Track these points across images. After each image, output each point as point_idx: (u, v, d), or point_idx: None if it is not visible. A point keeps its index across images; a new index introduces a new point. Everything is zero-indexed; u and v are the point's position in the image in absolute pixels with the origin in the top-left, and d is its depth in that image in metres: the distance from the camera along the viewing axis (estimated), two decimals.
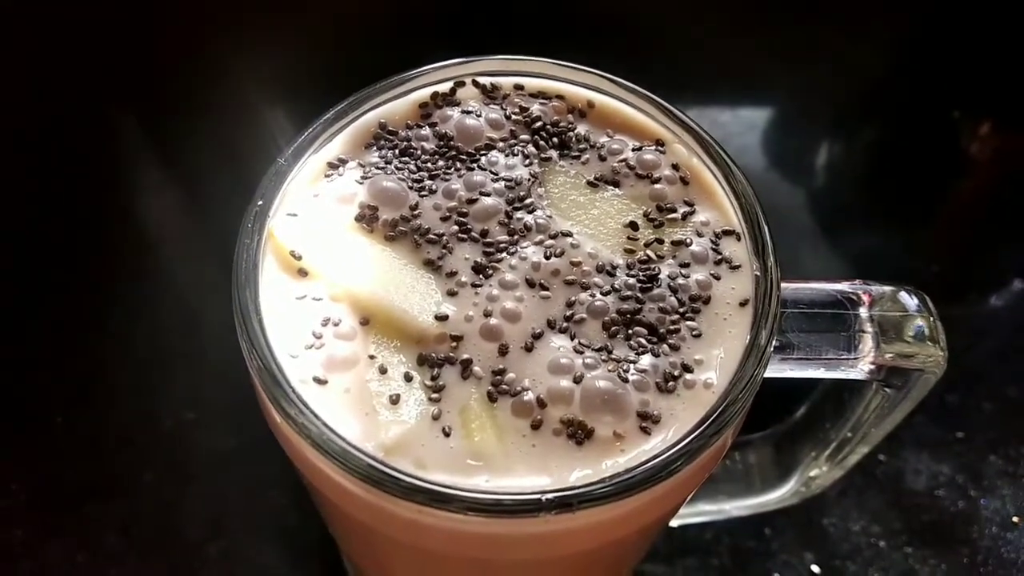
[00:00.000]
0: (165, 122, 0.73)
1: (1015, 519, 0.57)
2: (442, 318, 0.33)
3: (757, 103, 0.80)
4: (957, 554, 0.55)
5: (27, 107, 0.73)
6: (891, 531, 0.56)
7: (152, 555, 0.53)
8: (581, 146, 0.38)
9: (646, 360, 0.32)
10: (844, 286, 0.37)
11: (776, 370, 0.35)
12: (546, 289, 0.34)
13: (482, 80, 0.39)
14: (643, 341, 0.32)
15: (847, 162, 0.77)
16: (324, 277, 0.33)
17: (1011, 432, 0.60)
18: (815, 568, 0.55)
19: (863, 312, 0.36)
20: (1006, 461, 0.59)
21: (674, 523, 0.52)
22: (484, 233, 0.35)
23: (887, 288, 0.37)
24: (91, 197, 0.69)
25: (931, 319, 0.37)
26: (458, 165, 0.37)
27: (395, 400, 0.31)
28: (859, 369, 0.36)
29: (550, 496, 0.28)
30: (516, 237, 0.35)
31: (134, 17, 0.76)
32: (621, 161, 0.37)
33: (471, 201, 0.35)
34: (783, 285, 0.35)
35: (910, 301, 0.37)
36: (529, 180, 0.36)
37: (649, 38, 0.80)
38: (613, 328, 0.33)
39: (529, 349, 0.32)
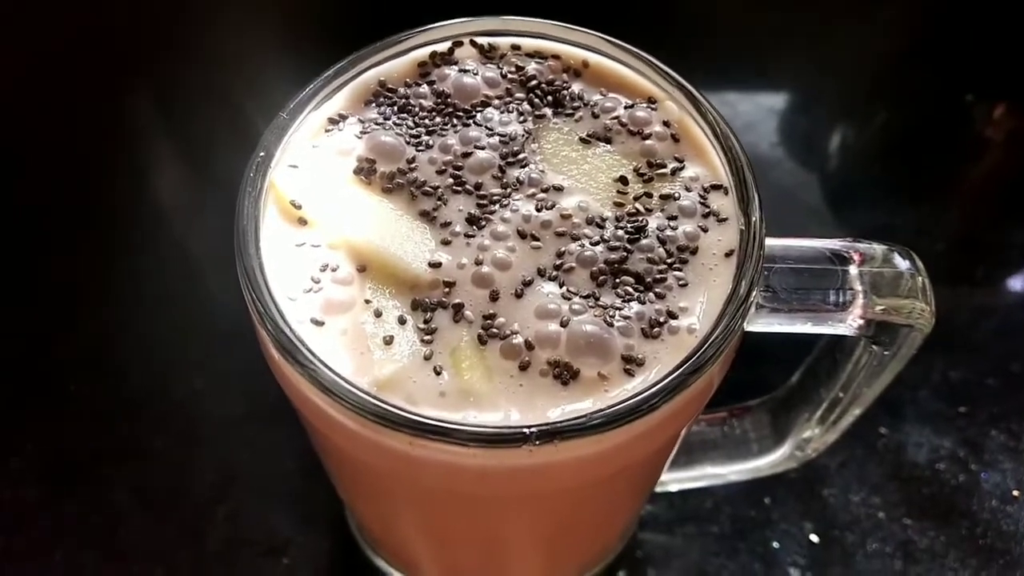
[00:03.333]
0: (173, 95, 0.75)
1: (1015, 493, 0.57)
2: (435, 265, 0.34)
3: (769, 85, 0.80)
4: (956, 526, 0.55)
5: (30, 78, 0.74)
6: (891, 503, 0.56)
7: (162, 516, 0.55)
8: (575, 104, 0.39)
9: (632, 307, 0.33)
10: (835, 244, 0.37)
11: (764, 324, 0.36)
12: (537, 240, 0.35)
13: (480, 40, 0.40)
14: (630, 289, 0.33)
15: (859, 144, 0.78)
16: (323, 226, 0.35)
17: (1013, 407, 0.60)
18: (814, 537, 0.55)
19: (853, 270, 0.36)
20: (1008, 436, 0.59)
21: (674, 488, 0.53)
22: (478, 186, 0.36)
23: (878, 247, 0.38)
24: (102, 169, 0.70)
25: (920, 278, 0.37)
26: (454, 121, 0.38)
27: (389, 341, 0.32)
28: (848, 324, 0.37)
29: (534, 428, 0.29)
30: (509, 190, 0.36)
31: None
32: (613, 118, 0.38)
33: (466, 155, 0.37)
34: (774, 242, 0.36)
35: (901, 261, 0.38)
36: (523, 136, 0.37)
37: (656, 20, 0.80)
38: (601, 277, 0.34)
39: (519, 295, 0.33)
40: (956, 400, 0.60)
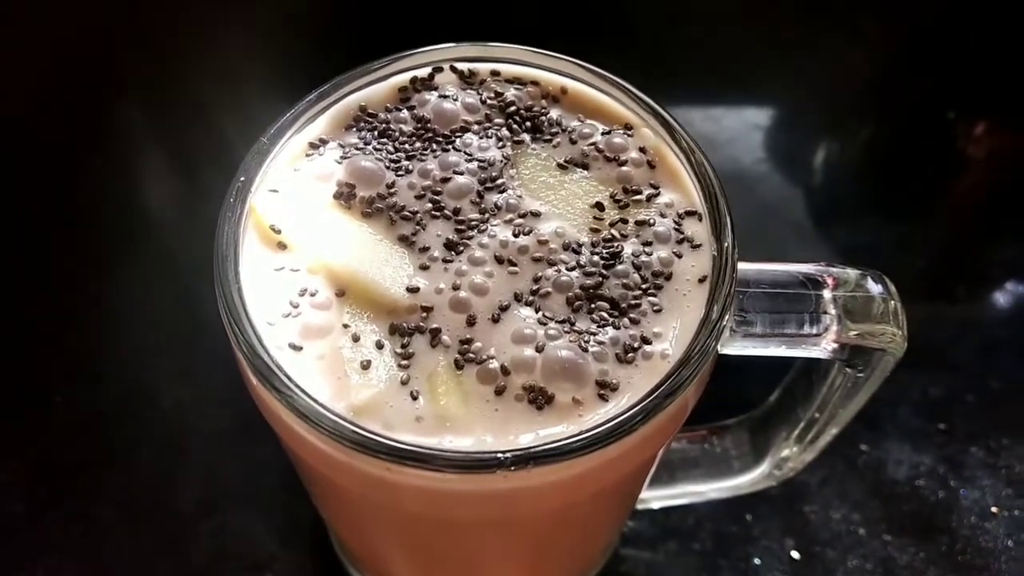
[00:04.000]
0: (160, 107, 0.75)
1: (994, 509, 0.57)
2: (413, 290, 0.34)
3: (754, 100, 0.80)
4: (936, 543, 0.56)
5: (21, 91, 0.74)
6: (871, 519, 0.57)
7: (147, 529, 0.54)
8: (553, 130, 0.39)
9: (607, 333, 0.33)
10: (808, 268, 0.38)
11: (738, 347, 0.37)
12: (514, 265, 0.35)
13: (460, 66, 0.41)
14: (605, 315, 0.34)
15: (841, 160, 0.78)
16: (302, 250, 0.35)
17: (992, 424, 0.60)
18: (795, 554, 0.55)
19: (827, 294, 0.37)
20: (987, 452, 0.59)
21: (656, 505, 0.53)
22: (456, 211, 0.36)
23: (851, 272, 0.38)
24: (90, 180, 0.70)
25: (893, 303, 0.38)
26: (434, 146, 0.38)
27: (366, 366, 0.32)
28: (821, 348, 0.37)
29: (508, 454, 0.29)
30: (487, 215, 0.36)
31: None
32: (591, 144, 0.38)
33: (445, 180, 0.37)
34: (748, 266, 0.36)
35: (874, 285, 0.38)
36: (502, 162, 0.38)
37: (644, 35, 0.81)
38: (577, 302, 0.34)
39: (496, 320, 0.34)
40: (936, 417, 0.61)
